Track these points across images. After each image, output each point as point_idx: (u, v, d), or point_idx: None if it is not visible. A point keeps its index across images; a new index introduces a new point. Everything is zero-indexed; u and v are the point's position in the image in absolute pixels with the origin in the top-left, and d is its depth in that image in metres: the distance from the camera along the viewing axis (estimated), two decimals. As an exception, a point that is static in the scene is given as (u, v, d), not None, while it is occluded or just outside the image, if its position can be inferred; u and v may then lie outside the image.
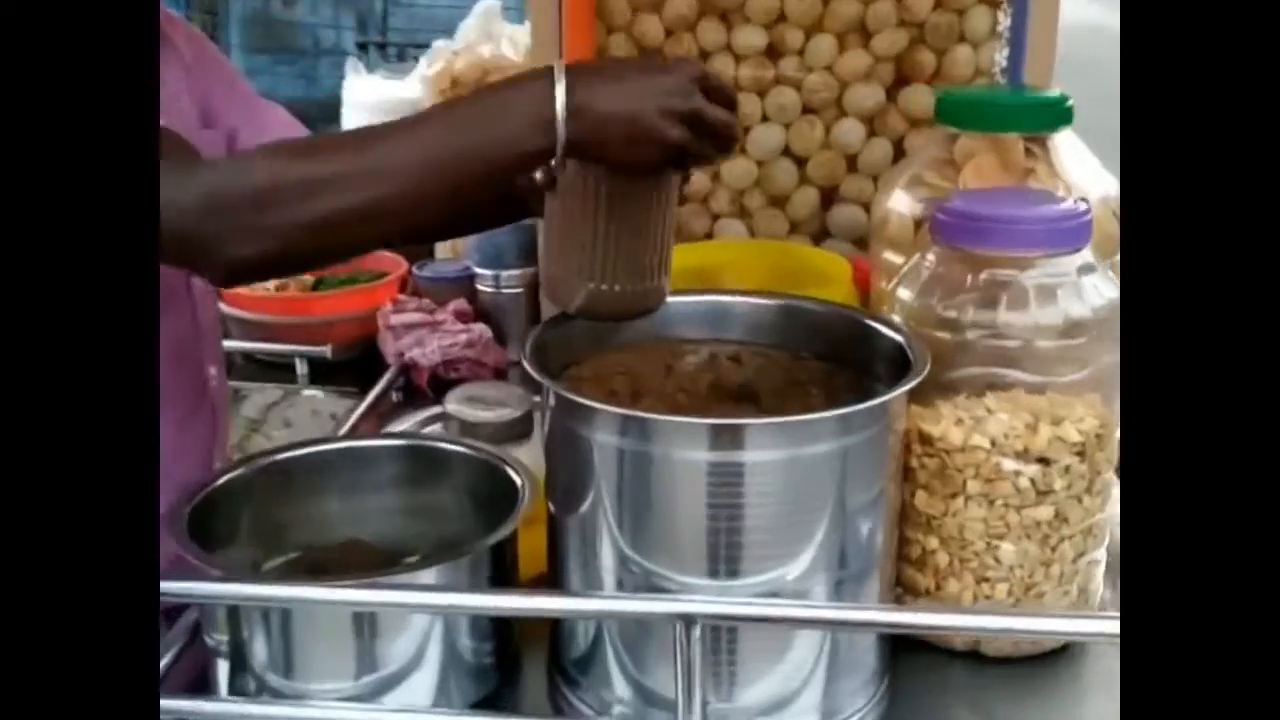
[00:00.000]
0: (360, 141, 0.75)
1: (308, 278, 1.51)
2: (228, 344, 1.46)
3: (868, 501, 0.75)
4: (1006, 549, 0.83)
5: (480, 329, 1.37)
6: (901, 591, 0.87)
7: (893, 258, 1.02)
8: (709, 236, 1.37)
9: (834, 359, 0.87)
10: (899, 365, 0.79)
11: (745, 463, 0.70)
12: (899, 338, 0.81)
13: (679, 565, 0.72)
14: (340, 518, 0.91)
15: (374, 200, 0.72)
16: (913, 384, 0.73)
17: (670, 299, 0.86)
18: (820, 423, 0.71)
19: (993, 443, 0.82)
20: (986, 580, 0.84)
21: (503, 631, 0.84)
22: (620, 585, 0.74)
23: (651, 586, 0.73)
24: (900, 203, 1.04)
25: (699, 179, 1.36)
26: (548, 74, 0.72)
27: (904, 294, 0.86)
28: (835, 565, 0.74)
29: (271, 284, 1.45)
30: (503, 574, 0.83)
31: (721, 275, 1.19)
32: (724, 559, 0.72)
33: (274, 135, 0.95)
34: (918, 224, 1.00)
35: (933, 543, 0.85)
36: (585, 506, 0.75)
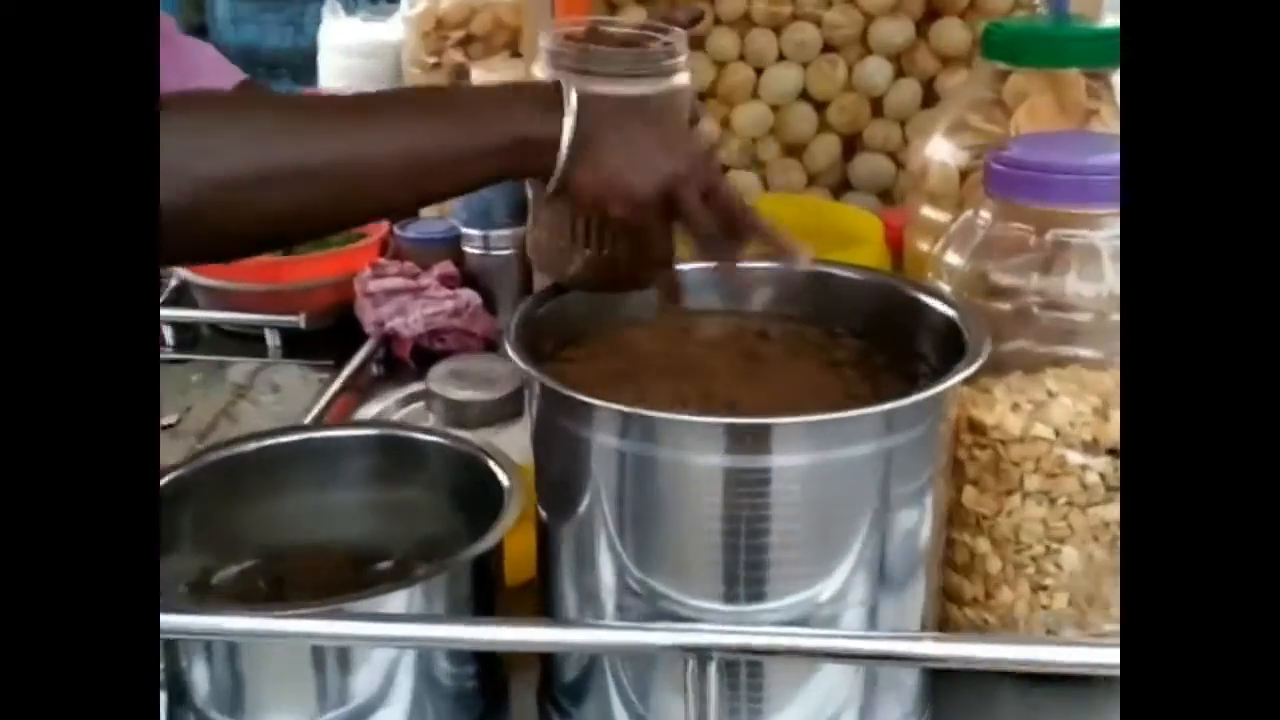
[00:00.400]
0: (340, 121, 0.63)
1: (282, 239, 1.38)
2: (192, 314, 1.35)
3: (913, 508, 0.63)
4: (1069, 554, 0.72)
5: (468, 295, 1.25)
6: (945, 600, 0.76)
7: (933, 214, 0.89)
8: (718, 191, 1.25)
9: (872, 335, 0.75)
10: (948, 344, 0.68)
11: (770, 468, 0.58)
12: (951, 312, 0.69)
13: (691, 588, 0.61)
14: (301, 519, 0.79)
15: (344, 196, 0.62)
16: (971, 370, 0.61)
17: (680, 266, 0.74)
18: (859, 421, 0.59)
19: (1056, 432, 0.70)
20: (1044, 589, 0.73)
21: (487, 652, 0.73)
22: (621, 609, 0.63)
23: (659, 612, 0.62)
24: (941, 151, 0.91)
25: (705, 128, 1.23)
26: (557, 95, 0.63)
27: (952, 258, 0.74)
28: (874, 584, 0.63)
29: (241, 246, 1.33)
30: (485, 588, 0.72)
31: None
32: (744, 581, 0.60)
33: (204, 77, 0.83)
34: (963, 175, 0.87)
35: (983, 545, 0.74)
36: (580, 516, 0.63)
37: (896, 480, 0.61)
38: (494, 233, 1.29)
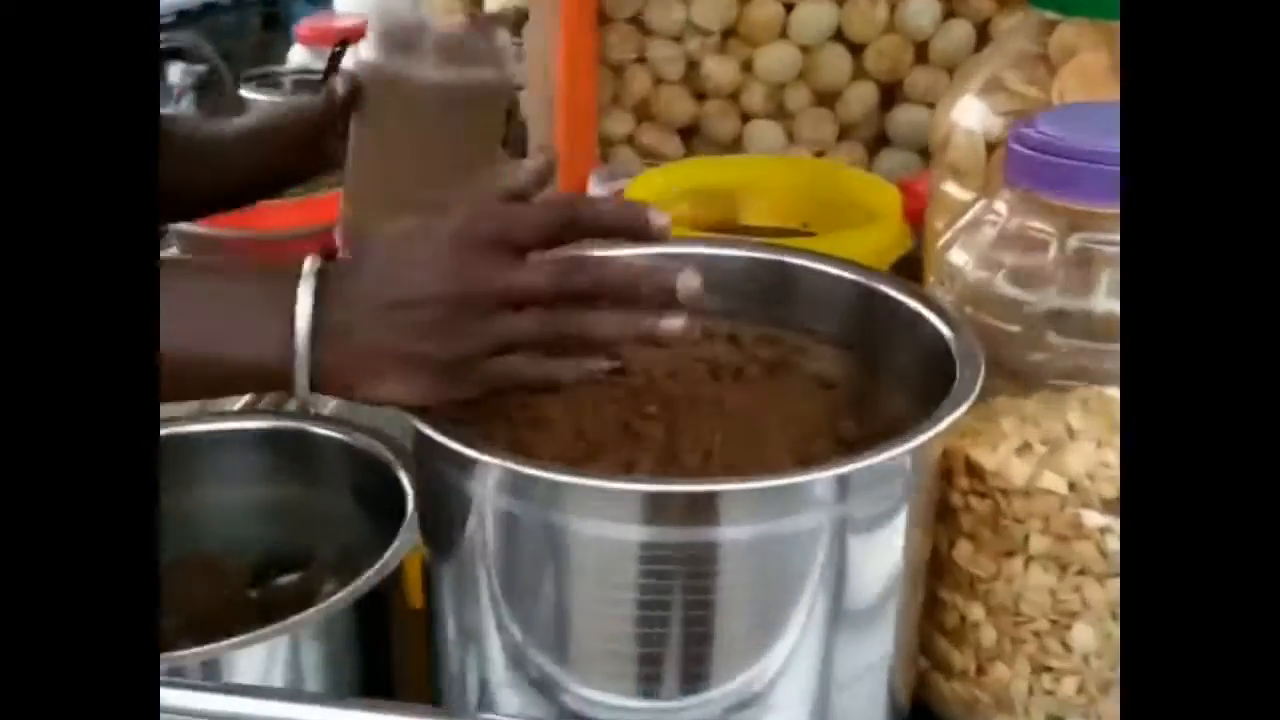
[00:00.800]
0: None
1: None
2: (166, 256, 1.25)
3: (877, 593, 0.50)
4: (1081, 632, 0.58)
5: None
6: (929, 667, 0.63)
7: (955, 191, 0.74)
8: (737, 143, 1.11)
9: (852, 345, 0.62)
10: (939, 370, 0.54)
11: (698, 543, 0.46)
12: (945, 330, 0.55)
13: (602, 681, 0.49)
14: (177, 525, 0.69)
15: None
16: (953, 418, 0.48)
17: (622, 251, 0.61)
18: (799, 488, 0.46)
19: (1071, 485, 0.56)
20: (1048, 670, 0.59)
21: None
22: (518, 702, 0.51)
23: (566, 711, 0.50)
24: (970, 114, 0.75)
25: (724, 70, 1.08)
26: (294, 276, 0.48)
27: (958, 258, 0.60)
28: (825, 676, 0.50)
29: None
30: (379, 624, 0.61)
31: (740, 200, 0.93)
32: (667, 672, 0.48)
33: None
34: (991, 147, 0.72)
35: (976, 611, 0.60)
36: (465, 586, 0.51)
37: (854, 554, 0.48)
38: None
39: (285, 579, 0.73)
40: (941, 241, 0.61)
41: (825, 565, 0.48)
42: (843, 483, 0.47)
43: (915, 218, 0.86)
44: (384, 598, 0.61)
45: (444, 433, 0.47)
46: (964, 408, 0.48)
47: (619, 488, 0.45)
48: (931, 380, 0.55)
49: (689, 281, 0.46)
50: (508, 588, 0.49)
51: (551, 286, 0.47)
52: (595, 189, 1.01)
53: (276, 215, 1.19)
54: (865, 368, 0.61)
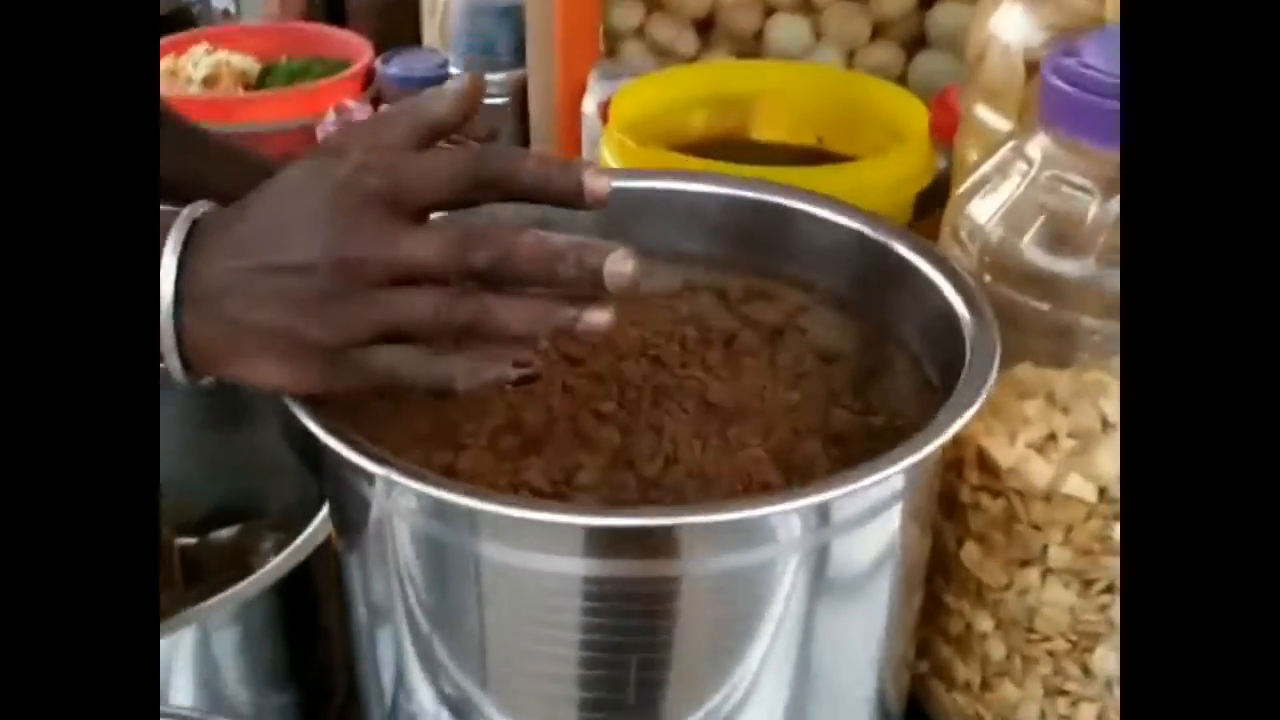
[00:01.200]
0: None
1: (253, 66, 1.18)
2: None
3: (863, 609, 0.42)
4: (1104, 657, 0.50)
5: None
6: (928, 670, 0.55)
7: (989, 118, 0.64)
8: (757, 40, 0.99)
9: (852, 305, 0.52)
10: (954, 346, 0.45)
11: (651, 578, 0.38)
12: (958, 302, 0.46)
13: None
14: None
15: None
16: (959, 427, 0.39)
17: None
18: (767, 521, 0.37)
19: (1102, 492, 0.47)
20: (1064, 694, 0.51)
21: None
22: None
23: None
24: (1010, 25, 0.64)
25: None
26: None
27: (979, 211, 0.50)
28: (799, 700, 0.43)
29: (198, 76, 1.13)
30: (303, 605, 0.55)
31: (753, 111, 0.83)
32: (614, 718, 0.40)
33: None
34: (1031, 69, 0.61)
35: (984, 621, 0.52)
36: (377, 602, 0.44)
37: (836, 593, 0.40)
38: (491, 76, 1.07)
39: (221, 533, 0.67)
40: (961, 188, 0.51)
41: (799, 590, 0.39)
42: (822, 511, 0.38)
43: (941, 135, 0.75)
44: (306, 580, 0.54)
45: (331, 430, 0.39)
46: (969, 414, 0.39)
47: (541, 519, 0.36)
48: (943, 354, 0.46)
49: (618, 267, 0.37)
50: (426, 613, 0.42)
51: (444, 261, 0.38)
52: (595, 87, 0.91)
53: (253, 108, 1.10)
54: (868, 334, 0.52)
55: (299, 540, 0.54)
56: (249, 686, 0.54)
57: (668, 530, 0.36)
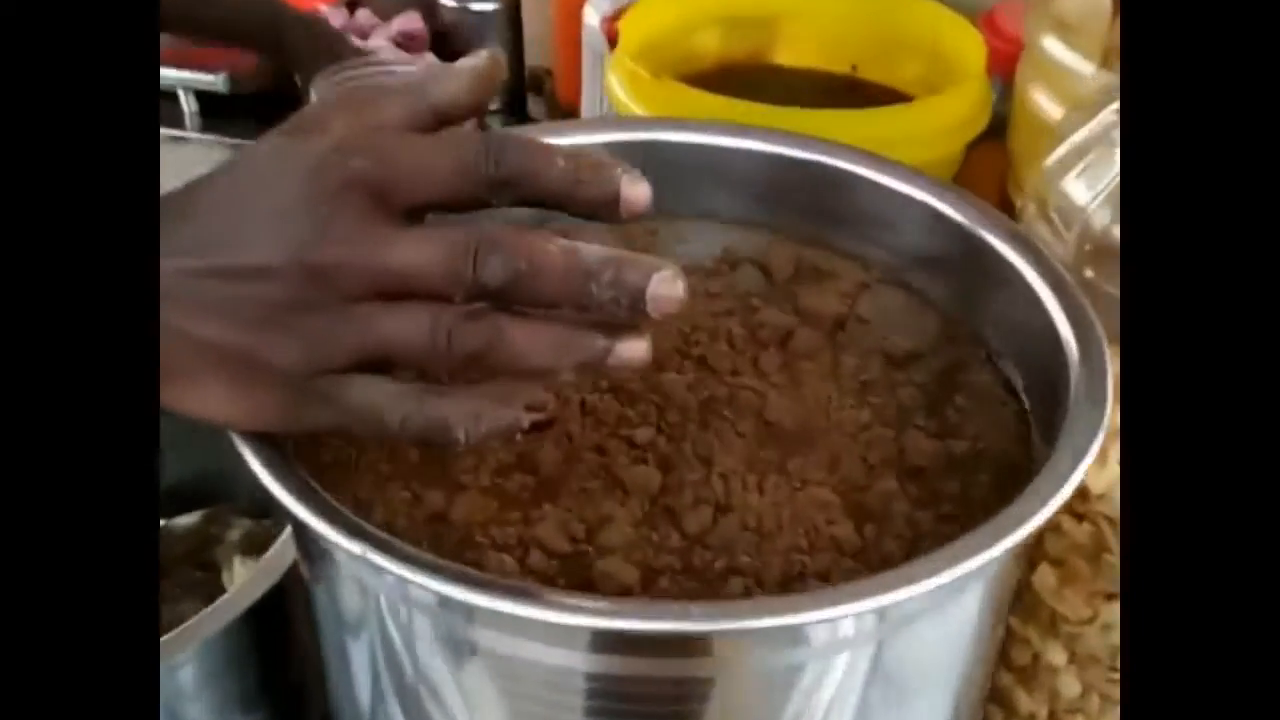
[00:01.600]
0: None
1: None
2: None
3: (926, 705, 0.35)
4: (1198, 702, 0.43)
5: (428, 63, 0.94)
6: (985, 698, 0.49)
7: (1063, 56, 0.55)
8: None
9: (917, 287, 0.44)
10: (1049, 352, 0.37)
11: (678, 679, 0.31)
12: (1054, 306, 0.38)
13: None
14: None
15: None
16: (1064, 496, 0.31)
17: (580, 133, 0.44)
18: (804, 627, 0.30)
19: (1211, 525, 0.40)
20: (1148, 737, 0.45)
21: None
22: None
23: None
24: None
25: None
26: None
27: (1076, 191, 0.42)
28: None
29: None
30: (279, 630, 0.48)
31: (778, 35, 0.73)
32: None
33: None
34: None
35: (1056, 655, 0.46)
36: (356, 645, 0.36)
37: (890, 678, 0.33)
38: (479, -24, 0.97)
39: (183, 520, 0.59)
40: (1053, 157, 0.43)
41: (854, 688, 0.32)
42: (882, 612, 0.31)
43: (1002, 64, 0.66)
44: (277, 603, 0.47)
45: (291, 486, 0.31)
46: (1075, 477, 0.32)
47: (535, 617, 0.28)
48: (1030, 360, 0.39)
49: (665, 290, 0.29)
50: (407, 681, 0.35)
51: (445, 272, 0.29)
52: (594, 4, 0.81)
53: (218, 15, 0.99)
54: (939, 326, 0.44)
55: (268, 555, 0.47)
56: (217, 716, 0.48)
57: (704, 632, 0.29)
